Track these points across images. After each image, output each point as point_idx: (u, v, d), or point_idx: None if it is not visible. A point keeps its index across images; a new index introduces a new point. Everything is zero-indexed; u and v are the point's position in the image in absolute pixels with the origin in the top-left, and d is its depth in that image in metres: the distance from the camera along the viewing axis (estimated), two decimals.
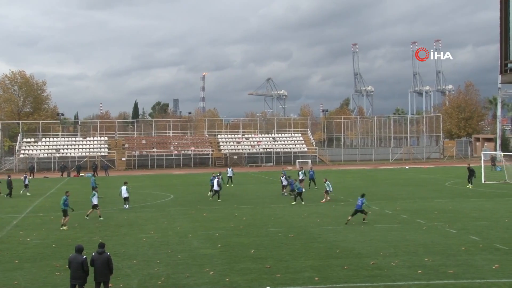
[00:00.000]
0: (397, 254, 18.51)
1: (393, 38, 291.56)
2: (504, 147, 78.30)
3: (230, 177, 46.85)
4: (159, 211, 31.01)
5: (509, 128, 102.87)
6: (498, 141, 77.79)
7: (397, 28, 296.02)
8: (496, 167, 56.97)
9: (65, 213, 25.39)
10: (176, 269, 17.16)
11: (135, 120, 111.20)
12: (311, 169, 44.09)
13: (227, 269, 17.07)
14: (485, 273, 15.97)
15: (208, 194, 36.63)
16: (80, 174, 65.82)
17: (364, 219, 25.01)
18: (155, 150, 79.04)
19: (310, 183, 42.26)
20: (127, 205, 32.14)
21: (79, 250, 13.14)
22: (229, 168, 48.45)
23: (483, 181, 42.30)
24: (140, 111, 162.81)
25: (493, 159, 61.90)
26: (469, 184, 40.02)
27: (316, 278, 15.77)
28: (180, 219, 27.60)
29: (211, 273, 16.65)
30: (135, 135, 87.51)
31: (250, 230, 23.90)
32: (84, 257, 12.96)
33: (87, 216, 28.02)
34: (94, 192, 28.79)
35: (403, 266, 16.86)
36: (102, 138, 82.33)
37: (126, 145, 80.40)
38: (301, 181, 39.62)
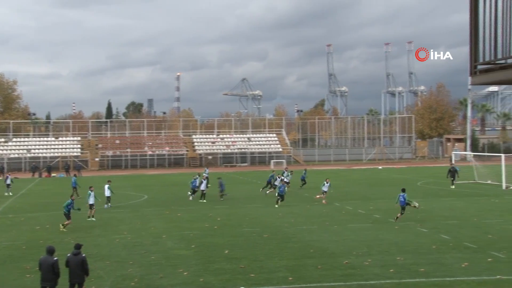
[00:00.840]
0: (370, 253, 18.72)
1: (368, 39, 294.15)
2: (474, 147, 79.71)
3: (207, 177, 46.72)
4: (133, 211, 30.78)
5: (478, 129, 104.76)
6: (468, 142, 79.23)
7: (372, 29, 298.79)
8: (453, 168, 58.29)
9: (68, 216, 24.82)
10: (149, 270, 17.06)
11: (108, 120, 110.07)
12: (304, 170, 43.93)
13: (201, 270, 17.04)
14: (455, 271, 16.27)
15: (188, 193, 36.11)
16: (52, 175, 64.89)
17: (397, 217, 24.96)
18: (129, 150, 78.38)
19: (303, 184, 41.96)
20: (108, 205, 32.02)
21: (50, 251, 12.95)
22: (206, 169, 48.36)
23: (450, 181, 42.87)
24: (114, 111, 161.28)
25: (451, 159, 63.23)
26: (452, 185, 40.21)
27: (290, 278, 15.85)
28: (154, 220, 27.44)
29: (185, 273, 16.61)
30: (108, 135, 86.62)
31: (225, 230, 23.90)
32: (55, 259, 12.77)
33: (91, 217, 27.46)
34: (89, 192, 28.08)
35: (375, 265, 17.07)
36: (75, 138, 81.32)
37: (100, 145, 79.57)
38: (287, 183, 38.60)
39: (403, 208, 24.91)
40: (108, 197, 32.25)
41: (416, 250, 19.07)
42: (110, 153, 77.86)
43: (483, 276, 15.70)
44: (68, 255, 13.21)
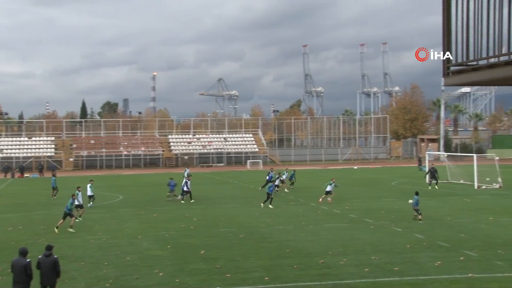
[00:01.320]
0: (345, 253, 18.87)
1: (344, 40, 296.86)
2: (447, 147, 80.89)
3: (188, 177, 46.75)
4: (108, 212, 30.49)
5: (451, 129, 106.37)
6: (442, 142, 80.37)
7: (348, 30, 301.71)
8: (421, 167, 59.38)
9: (65, 216, 24.29)
10: (125, 271, 16.93)
11: (83, 120, 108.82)
12: (293, 171, 43.98)
13: (177, 270, 16.98)
14: (428, 270, 16.51)
15: (167, 194, 35.75)
16: (25, 175, 63.91)
17: (415, 216, 25.52)
18: (104, 150, 77.62)
19: (291, 183, 42.02)
20: (91, 204, 31.93)
21: (23, 253, 12.76)
22: (187, 169, 48.18)
23: (427, 181, 43.52)
24: (89, 111, 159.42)
25: (419, 159, 64.24)
26: (436, 186, 40.27)
27: (266, 278, 15.89)
28: (129, 220, 27.23)
29: (160, 274, 16.53)
30: (83, 135, 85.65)
31: (201, 230, 23.84)
32: (28, 260, 12.59)
33: (78, 218, 26.73)
34: (77, 192, 27.43)
35: (351, 265, 17.21)
36: (49, 138, 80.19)
37: (74, 145, 78.64)
38: (282, 181, 38.69)
39: (416, 210, 25.50)
40: (90, 196, 32.14)
41: (390, 250, 19.29)
42: (84, 153, 77.01)
43: (456, 274, 15.96)
44: (40, 256, 13.02)
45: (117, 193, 40.69)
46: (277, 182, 36.66)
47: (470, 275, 15.81)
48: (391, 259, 17.87)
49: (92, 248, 20.51)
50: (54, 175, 40.20)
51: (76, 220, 26.29)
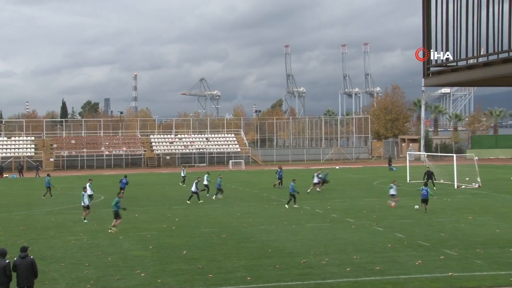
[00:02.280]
0: (327, 252, 18.96)
1: (327, 40, 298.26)
2: (427, 147, 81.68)
3: (183, 177, 46.84)
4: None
5: (432, 130, 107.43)
6: (422, 142, 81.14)
7: (331, 31, 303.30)
8: (391, 168, 59.96)
9: (117, 216, 23.87)
10: (106, 272, 16.82)
11: (64, 119, 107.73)
12: (280, 169, 44.04)
13: (159, 271, 16.91)
14: (409, 269, 16.66)
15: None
16: (4, 175, 63.08)
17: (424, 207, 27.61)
18: (85, 150, 76.96)
19: (279, 182, 42.01)
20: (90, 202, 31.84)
21: (2, 254, 12.61)
22: (184, 169, 48.37)
23: (408, 181, 43.93)
24: (69, 111, 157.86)
25: (389, 160, 64.89)
26: (432, 187, 40.02)
27: (248, 278, 15.90)
28: (111, 221, 26.99)
29: (142, 275, 16.44)
30: (63, 135, 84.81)
31: (183, 230, 23.77)
32: (7, 261, 12.47)
33: (85, 218, 26.49)
34: (83, 192, 27.16)
35: (332, 264, 17.30)
36: (29, 138, 79.25)
37: (54, 145, 77.83)
38: (319, 183, 38.75)
39: (424, 201, 27.60)
40: (90, 195, 31.79)
41: (372, 249, 19.42)
42: (65, 153, 76.27)
43: (436, 273, 16.13)
44: (15, 258, 12.86)
45: (98, 193, 40.29)
46: (315, 180, 38.24)
47: (450, 274, 15.99)
48: (372, 258, 18.00)
49: (73, 248, 20.33)
50: (48, 175, 39.67)
51: (85, 221, 26.09)
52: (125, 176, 37.32)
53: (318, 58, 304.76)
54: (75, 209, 31.67)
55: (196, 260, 18.05)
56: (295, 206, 30.33)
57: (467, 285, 15.04)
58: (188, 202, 33.28)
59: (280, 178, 42.32)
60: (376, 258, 18.04)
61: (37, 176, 60.81)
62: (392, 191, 30.51)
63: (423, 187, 28.41)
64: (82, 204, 26.97)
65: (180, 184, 46.27)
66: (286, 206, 30.69)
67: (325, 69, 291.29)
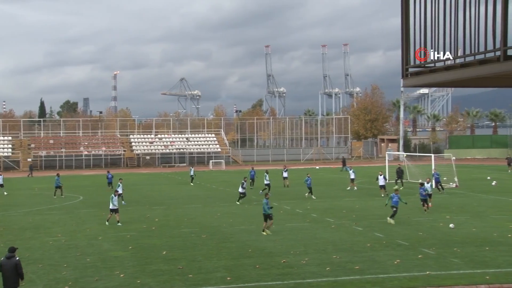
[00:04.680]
0: (307, 252, 19.03)
1: (311, 41, 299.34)
2: (406, 147, 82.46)
3: (192, 176, 46.47)
4: (67, 213, 29.93)
5: (410, 130, 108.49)
6: (401, 142, 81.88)
7: (315, 31, 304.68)
8: (345, 168, 60.78)
9: (268, 217, 22.32)
10: (84, 273, 16.67)
11: (42, 119, 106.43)
12: (252, 169, 43.96)
13: (138, 271, 16.81)
14: (387, 268, 16.81)
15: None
16: None
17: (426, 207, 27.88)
18: (63, 150, 76.16)
19: (251, 182, 42.08)
20: (123, 202, 32.36)
21: None
22: (191, 168, 47.97)
23: (387, 180, 44.24)
24: (48, 110, 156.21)
25: (343, 160, 65.59)
26: (400, 185, 40.63)
27: (228, 278, 15.90)
28: (89, 221, 26.80)
29: (121, 275, 16.33)
30: (42, 134, 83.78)
31: (163, 231, 23.67)
32: None
33: (110, 221, 25.48)
34: (112, 195, 26.04)
35: (312, 264, 17.37)
36: (6, 138, 78.15)
37: (32, 145, 76.88)
38: (352, 180, 40.51)
39: (424, 200, 27.73)
40: (120, 194, 32.16)
41: (351, 248, 19.55)
42: (43, 153, 75.37)
43: (414, 272, 16.31)
44: (2, 259, 12.74)
45: (77, 193, 39.96)
46: (353, 176, 40.22)
47: (427, 272, 16.18)
48: (351, 258, 18.12)
49: (51, 250, 20.11)
50: (57, 175, 39.24)
51: (118, 224, 25.18)
52: (108, 172, 38.00)
53: (301, 58, 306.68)
54: (53, 209, 31.35)
55: (176, 261, 17.99)
56: (313, 197, 33.92)
57: (445, 283, 15.23)
58: (238, 203, 32.33)
59: (252, 178, 42.41)
60: (355, 257, 18.16)
61: (30, 175, 59.96)
62: (381, 182, 35.36)
63: (420, 187, 28.42)
64: (111, 207, 25.54)
65: (191, 184, 45.64)
66: (314, 197, 33.94)
67: (308, 69, 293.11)
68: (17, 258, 12.78)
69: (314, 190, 35.29)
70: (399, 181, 40.92)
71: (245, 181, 33.80)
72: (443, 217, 26.36)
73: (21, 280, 12.77)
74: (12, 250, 12.87)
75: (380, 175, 35.96)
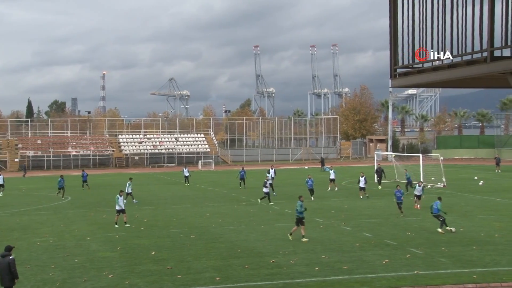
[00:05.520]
0: (296, 252, 19.06)
1: (301, 41, 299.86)
2: (395, 147, 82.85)
3: (187, 176, 46.07)
4: (55, 213, 29.75)
5: (399, 130, 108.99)
6: (389, 142, 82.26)
7: (305, 31, 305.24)
8: (324, 168, 61.15)
9: (301, 222, 21.26)
10: (72, 274, 16.58)
11: (29, 119, 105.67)
12: (243, 169, 43.94)
13: (127, 272, 16.75)
14: (376, 267, 16.88)
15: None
16: None
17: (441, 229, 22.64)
18: (51, 150, 75.63)
19: (240, 182, 42.11)
20: (134, 200, 32.97)
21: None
22: (185, 168, 47.52)
23: (375, 181, 44.41)
24: (36, 110, 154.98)
25: (322, 160, 66.00)
26: (379, 185, 41.04)
27: (217, 278, 15.89)
28: (78, 222, 26.66)
29: (110, 276, 16.27)
30: (29, 134, 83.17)
31: (152, 231, 23.59)
32: None
33: (124, 223, 25.02)
34: (118, 196, 25.61)
35: (301, 264, 17.41)
36: None
37: (20, 145, 76.28)
38: (332, 180, 40.08)
39: (436, 217, 22.98)
40: (130, 193, 32.93)
41: (340, 248, 19.61)
42: (31, 153, 74.81)
43: (402, 271, 16.40)
44: None
45: (65, 194, 39.71)
46: (333, 176, 39.73)
47: (415, 272, 16.27)
48: (340, 257, 18.18)
49: (38, 250, 19.97)
50: (61, 176, 39.05)
51: (126, 225, 24.74)
52: (83, 170, 41.83)
53: (290, 58, 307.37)
54: (40, 210, 31.14)
55: (165, 261, 17.94)
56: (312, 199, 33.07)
57: (432, 283, 15.33)
58: (271, 203, 31.67)
59: (242, 178, 42.35)
60: (344, 257, 18.22)
61: (24, 175, 59.43)
62: (362, 183, 34.42)
63: (436, 201, 23.77)
64: (117, 208, 25.19)
65: (186, 184, 45.24)
66: (312, 198, 33.29)
67: (297, 69, 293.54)
68: (11, 257, 12.83)
69: (302, 191, 35.27)
70: (378, 180, 41.33)
71: (267, 180, 33.42)
72: (431, 217, 26.47)
73: (16, 280, 12.84)
74: (9, 249, 13.00)
75: (362, 177, 35.41)
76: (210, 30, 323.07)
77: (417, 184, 30.07)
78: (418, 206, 29.17)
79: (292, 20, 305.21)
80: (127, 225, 24.85)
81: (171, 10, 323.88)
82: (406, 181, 37.14)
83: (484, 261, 17.61)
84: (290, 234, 21.30)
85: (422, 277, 15.79)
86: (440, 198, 23.75)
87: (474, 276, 15.82)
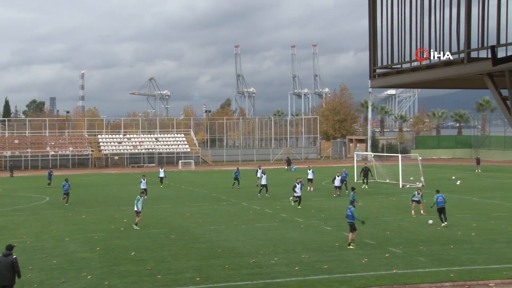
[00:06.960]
0: (276, 252, 19.11)
1: (283, 41, 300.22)
2: (374, 147, 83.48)
3: (161, 177, 45.53)
4: (33, 214, 29.38)
5: (378, 130, 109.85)
6: (369, 142, 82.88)
7: (288, 31, 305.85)
8: (291, 168, 61.70)
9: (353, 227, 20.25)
10: (50, 275, 16.40)
11: (6, 119, 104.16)
12: (237, 169, 43.74)
13: (106, 273, 16.62)
14: (355, 267, 17.00)
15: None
16: None
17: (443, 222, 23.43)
18: (29, 150, 74.69)
19: (234, 182, 41.93)
20: (145, 197, 30.69)
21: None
22: (161, 169, 47.03)
23: (355, 180, 44.72)
24: (13, 110, 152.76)
25: (288, 161, 66.44)
26: (364, 185, 41.30)
27: (197, 278, 15.86)
28: (56, 222, 26.37)
29: (89, 277, 16.13)
30: (6, 134, 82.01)
31: (131, 232, 23.44)
32: None
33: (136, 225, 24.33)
34: (138, 197, 24.93)
35: (281, 264, 17.45)
36: None
37: None
38: (310, 180, 39.51)
39: (440, 210, 23.27)
40: (144, 189, 33.34)
41: (320, 248, 19.71)
42: (8, 153, 73.80)
43: (381, 271, 16.53)
44: None
45: (43, 194, 39.28)
46: (311, 176, 39.69)
47: (394, 271, 16.42)
48: (320, 257, 18.27)
49: (16, 252, 19.55)
50: (66, 180, 34.81)
51: (136, 228, 24.05)
52: (50, 170, 45.33)
53: (273, 58, 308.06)
54: (18, 210, 30.75)
55: (145, 262, 17.85)
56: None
57: (411, 281, 15.48)
58: (297, 206, 30.50)
59: (236, 178, 42.19)
60: (324, 257, 18.32)
61: (11, 176, 58.46)
62: (337, 183, 35.22)
63: (437, 194, 23.97)
64: (135, 209, 24.43)
65: (161, 186, 44.42)
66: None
67: (279, 69, 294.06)
68: (14, 256, 12.92)
69: (283, 191, 35.39)
70: (365, 181, 41.56)
71: (297, 183, 30.71)
72: (409, 217, 26.78)
73: (18, 278, 12.91)
74: (10, 248, 13.06)
75: (338, 176, 35.69)
76: (193, 30, 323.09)
77: (416, 192, 28.06)
78: (422, 211, 27.30)
79: (275, 21, 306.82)
80: (137, 227, 24.04)
81: (154, 9, 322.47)
82: (341, 179, 36.37)
83: (461, 259, 17.85)
84: (349, 245, 19.81)
85: (400, 276, 15.94)
86: (438, 191, 24.48)
87: (452, 275, 16.02)
